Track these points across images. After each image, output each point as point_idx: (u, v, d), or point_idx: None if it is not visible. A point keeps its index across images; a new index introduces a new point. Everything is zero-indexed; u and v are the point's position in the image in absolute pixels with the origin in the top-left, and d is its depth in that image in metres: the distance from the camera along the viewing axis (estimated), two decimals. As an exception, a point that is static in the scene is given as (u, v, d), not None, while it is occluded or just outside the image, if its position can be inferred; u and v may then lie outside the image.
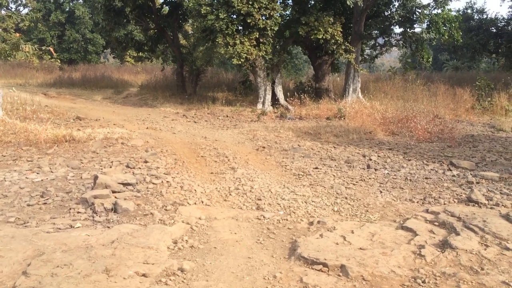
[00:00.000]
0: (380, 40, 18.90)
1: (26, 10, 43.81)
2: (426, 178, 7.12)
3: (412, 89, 18.15)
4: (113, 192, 5.92)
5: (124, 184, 6.39)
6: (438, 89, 17.89)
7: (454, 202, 5.89)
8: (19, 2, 44.40)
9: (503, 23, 26.72)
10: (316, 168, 7.80)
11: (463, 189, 6.50)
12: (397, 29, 19.30)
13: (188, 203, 5.80)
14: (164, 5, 20.06)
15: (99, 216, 5.11)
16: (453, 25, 17.33)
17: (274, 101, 16.55)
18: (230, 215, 5.37)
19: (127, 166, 7.51)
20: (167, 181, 6.78)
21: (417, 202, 5.93)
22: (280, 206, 5.72)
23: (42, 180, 6.64)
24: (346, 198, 6.06)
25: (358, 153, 8.99)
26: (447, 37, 17.60)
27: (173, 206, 5.60)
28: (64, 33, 39.35)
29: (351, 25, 17.66)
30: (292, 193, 6.29)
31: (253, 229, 4.91)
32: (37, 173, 6.97)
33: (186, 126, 12.89)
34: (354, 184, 6.79)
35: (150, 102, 18.67)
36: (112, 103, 18.66)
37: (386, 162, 8.29)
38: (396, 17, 16.18)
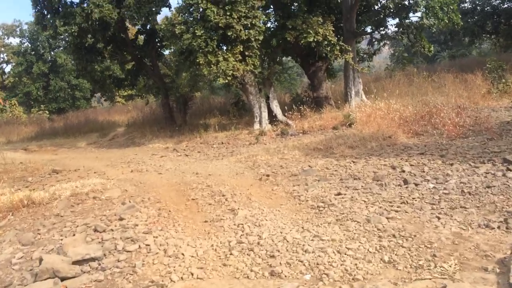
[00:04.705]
0: (377, 36, 17.36)
1: (9, 67, 42.92)
2: (488, 187, 5.34)
3: (417, 83, 16.60)
4: (64, 279, 4.16)
5: (85, 261, 4.64)
6: (446, 79, 16.37)
7: (549, 219, 4.10)
8: (1, 59, 43.60)
9: (498, 1, 25.30)
10: (339, 194, 6.02)
11: (547, 195, 4.72)
12: (393, 21, 17.89)
13: (171, 280, 4.03)
14: (139, 35, 18.64)
15: (33, 332, 3.34)
16: (452, 7, 15.84)
17: (272, 118, 14.85)
18: (233, 293, 3.59)
19: (95, 230, 5.75)
20: (146, 245, 5.05)
21: (498, 227, 4.14)
22: (303, 265, 3.94)
23: (-23, 270, 4.88)
24: (394, 236, 4.27)
25: (385, 165, 7.22)
26: (447, 21, 16.09)
27: (149, 291, 3.83)
28: (49, 83, 38.23)
29: (342, 24, 16.19)
30: (316, 238, 4.51)
31: (271, 319, 3.13)
32: (-26, 260, 5.22)
33: (176, 162, 11.18)
34: (396, 211, 5.01)
35: (137, 140, 17.02)
36: (97, 148, 17.03)
37: (424, 171, 6.52)
38: (391, 6, 14.67)
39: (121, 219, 6.12)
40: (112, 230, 5.72)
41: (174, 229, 5.57)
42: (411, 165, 7.00)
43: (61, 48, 38.78)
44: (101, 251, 4.86)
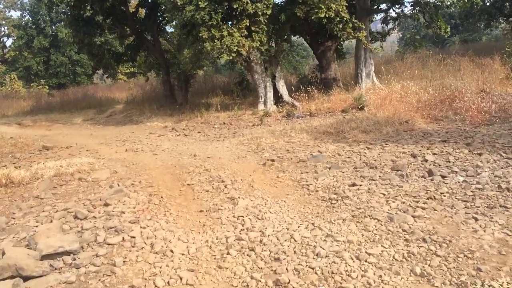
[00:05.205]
0: (392, 14, 16.35)
1: (10, 40, 41.95)
2: (528, 183, 4.60)
3: (431, 66, 15.69)
4: (28, 278, 3.49)
5: (58, 254, 3.98)
6: (461, 63, 15.46)
7: None
8: (2, 32, 42.55)
9: (518, -18, 23.98)
10: (354, 184, 5.29)
11: None
12: (408, -1, 16.85)
13: (155, 285, 3.35)
14: (140, 8, 17.67)
15: None
16: (472, -14, 14.89)
17: (277, 99, 14.04)
18: (229, 307, 2.90)
19: (75, 217, 5.07)
20: (131, 237, 4.38)
21: (553, 235, 3.41)
22: (315, 273, 3.24)
23: None
24: (424, 240, 3.56)
25: (404, 153, 6.47)
26: (466, 0, 15.12)
27: (127, 299, 3.15)
28: (50, 57, 37.21)
29: (355, 1, 15.20)
30: (329, 238, 3.81)
31: None
32: None
33: (174, 142, 10.46)
34: (423, 209, 4.28)
35: (135, 118, 16.26)
36: (93, 125, 16.29)
37: (449, 161, 5.77)
38: (409, -19, 13.65)
39: (106, 204, 5.43)
40: (94, 217, 5.03)
41: (164, 219, 4.89)
42: (433, 153, 6.25)
43: (62, 22, 37.69)
44: (77, 243, 4.19)
